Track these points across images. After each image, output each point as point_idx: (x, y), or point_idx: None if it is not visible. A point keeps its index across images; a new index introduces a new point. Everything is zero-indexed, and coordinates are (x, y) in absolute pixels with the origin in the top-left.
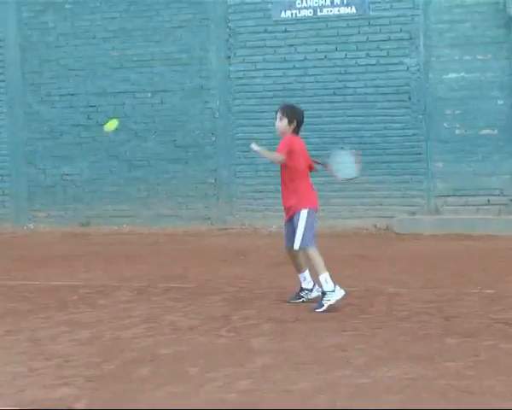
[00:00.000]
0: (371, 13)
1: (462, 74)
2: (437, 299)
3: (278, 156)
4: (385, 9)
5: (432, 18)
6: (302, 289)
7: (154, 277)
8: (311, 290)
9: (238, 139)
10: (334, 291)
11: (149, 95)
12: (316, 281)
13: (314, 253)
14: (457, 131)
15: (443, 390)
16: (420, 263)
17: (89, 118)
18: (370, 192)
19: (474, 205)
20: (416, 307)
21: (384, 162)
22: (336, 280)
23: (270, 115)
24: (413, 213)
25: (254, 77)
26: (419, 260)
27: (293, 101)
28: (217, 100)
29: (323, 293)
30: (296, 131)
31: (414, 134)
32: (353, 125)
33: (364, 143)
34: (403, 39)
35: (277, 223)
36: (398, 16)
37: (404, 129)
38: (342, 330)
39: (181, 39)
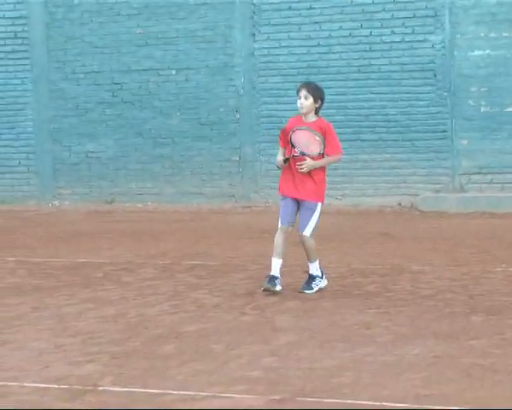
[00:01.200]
0: None
1: (487, 51)
2: (461, 277)
3: (340, 157)
4: None
5: None
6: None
7: (179, 254)
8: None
9: (262, 117)
10: (322, 278)
11: (174, 72)
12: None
13: (313, 242)
14: (482, 109)
15: (467, 368)
16: (444, 241)
17: (113, 95)
18: (395, 170)
19: (499, 183)
20: (440, 285)
21: (409, 140)
22: (360, 258)
23: (294, 93)
24: (437, 191)
25: (279, 54)
26: (443, 238)
27: (317, 79)
28: (241, 77)
29: (313, 277)
30: (318, 110)
31: (439, 112)
32: (378, 103)
33: (389, 121)
34: (428, 16)
35: None
36: None
37: (428, 106)
38: (367, 307)
39: (206, 16)
